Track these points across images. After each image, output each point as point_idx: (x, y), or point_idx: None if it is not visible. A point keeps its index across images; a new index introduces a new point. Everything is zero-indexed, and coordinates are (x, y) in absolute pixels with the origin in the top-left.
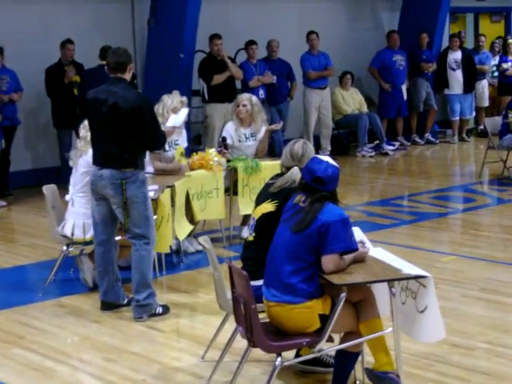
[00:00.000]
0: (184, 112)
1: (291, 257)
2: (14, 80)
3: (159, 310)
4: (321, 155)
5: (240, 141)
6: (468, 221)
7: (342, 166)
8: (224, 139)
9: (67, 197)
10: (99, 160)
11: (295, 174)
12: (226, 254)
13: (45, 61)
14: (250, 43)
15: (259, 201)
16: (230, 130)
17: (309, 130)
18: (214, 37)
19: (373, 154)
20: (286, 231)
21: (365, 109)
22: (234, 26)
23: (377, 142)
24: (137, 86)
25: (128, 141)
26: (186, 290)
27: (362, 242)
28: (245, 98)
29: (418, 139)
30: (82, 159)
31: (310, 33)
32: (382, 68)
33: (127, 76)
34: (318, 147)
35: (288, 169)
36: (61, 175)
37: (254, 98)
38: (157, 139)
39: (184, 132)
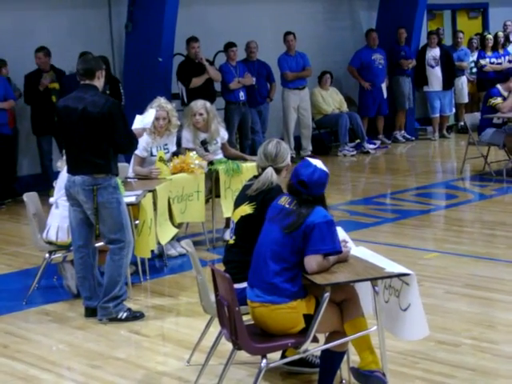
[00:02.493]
0: (152, 113)
1: (275, 257)
2: (5, 87)
3: (122, 315)
4: (311, 158)
5: (199, 145)
6: (450, 217)
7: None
8: (204, 142)
9: (51, 200)
10: (72, 166)
11: (269, 174)
12: (210, 257)
13: (25, 67)
14: (230, 45)
15: (238, 203)
16: (187, 136)
17: (288, 130)
18: (192, 40)
19: (354, 153)
20: (274, 231)
21: (345, 108)
22: (212, 29)
23: (358, 141)
24: (120, 93)
25: (100, 146)
26: (169, 293)
27: (345, 241)
28: (200, 106)
29: (399, 137)
30: (64, 165)
31: (287, 34)
32: (361, 67)
33: (97, 82)
34: (298, 148)
35: (263, 169)
36: (41, 182)
37: (209, 105)
38: (129, 142)
39: (174, 135)
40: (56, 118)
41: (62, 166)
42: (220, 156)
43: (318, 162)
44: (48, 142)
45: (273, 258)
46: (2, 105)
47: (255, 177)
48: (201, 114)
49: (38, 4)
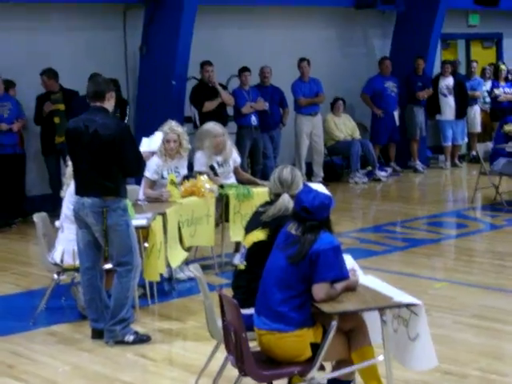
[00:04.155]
0: (159, 136)
1: (282, 285)
2: (15, 108)
3: (129, 338)
4: (312, 183)
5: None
6: (461, 247)
7: (334, 192)
8: (212, 167)
9: (57, 223)
10: (81, 188)
11: (287, 201)
12: (218, 282)
13: (39, 88)
14: (243, 70)
15: (250, 229)
16: (201, 160)
17: (300, 156)
18: (206, 63)
19: (365, 180)
20: (280, 259)
21: (357, 135)
22: (226, 53)
23: (369, 168)
24: (125, 113)
25: (109, 169)
26: (177, 317)
27: (353, 270)
28: (221, 128)
29: (415, 165)
30: (70, 188)
31: (301, 60)
32: (373, 94)
33: (107, 104)
34: (310, 174)
35: (276, 196)
36: (51, 202)
37: (224, 129)
38: (137, 165)
39: (185, 159)
40: (66, 140)
41: (64, 189)
42: (232, 179)
43: (318, 187)
44: (53, 162)
45: (279, 285)
46: (14, 127)
47: (268, 203)
48: (223, 135)
49: (52, 25)
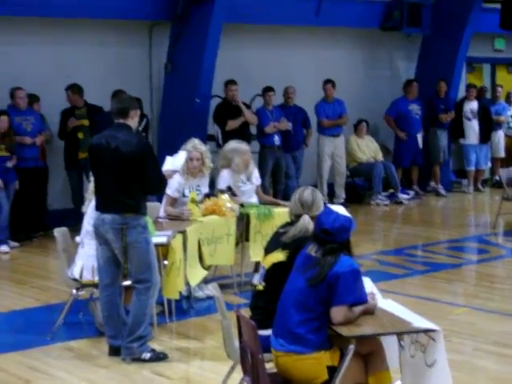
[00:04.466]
0: (182, 155)
1: (300, 307)
2: (38, 122)
3: (146, 355)
4: (333, 205)
5: (238, 187)
6: (482, 272)
7: (356, 214)
8: (229, 188)
9: (77, 238)
10: (102, 205)
11: (307, 222)
12: (237, 301)
13: (63, 103)
14: (267, 89)
15: (269, 249)
16: (227, 178)
17: (322, 177)
18: (230, 82)
19: (387, 202)
20: (299, 281)
21: (380, 157)
22: (251, 72)
23: (391, 190)
24: (148, 126)
25: (130, 186)
26: (195, 336)
27: (372, 294)
28: (247, 148)
29: (437, 189)
30: (92, 203)
31: (326, 82)
32: (397, 116)
33: (131, 122)
34: (332, 195)
35: (297, 217)
36: (73, 217)
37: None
38: (158, 184)
39: (207, 177)
40: (89, 156)
41: (85, 205)
42: (254, 199)
43: (339, 209)
44: (76, 177)
45: (297, 307)
46: (37, 140)
47: (288, 223)
48: (249, 152)
49: (78, 40)
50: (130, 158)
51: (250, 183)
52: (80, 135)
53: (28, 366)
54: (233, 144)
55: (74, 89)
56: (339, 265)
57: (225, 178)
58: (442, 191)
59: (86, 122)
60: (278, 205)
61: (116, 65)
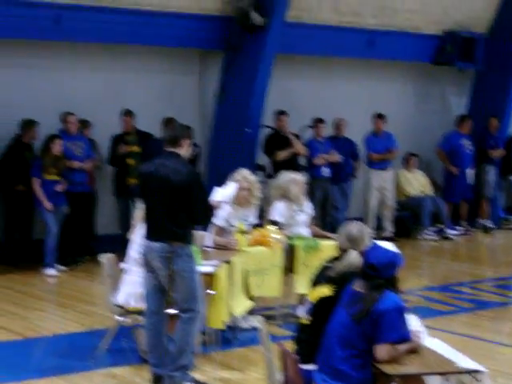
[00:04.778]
0: (231, 186)
1: (344, 343)
2: (88, 147)
3: None
4: (381, 241)
5: (292, 217)
6: None
7: (403, 248)
8: (274, 223)
9: (123, 265)
10: (150, 232)
11: (354, 258)
12: (281, 333)
13: (112, 129)
14: (318, 121)
15: (316, 283)
16: (281, 209)
17: (369, 210)
18: (280, 113)
19: (435, 237)
20: (343, 317)
21: (429, 191)
22: (301, 103)
23: (440, 225)
24: (199, 155)
25: (178, 215)
26: (238, 367)
27: (418, 332)
28: (302, 178)
29: (485, 225)
30: (138, 230)
31: (376, 116)
32: (450, 151)
33: (181, 151)
34: (379, 228)
35: (344, 251)
36: (120, 243)
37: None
38: (205, 214)
39: (254, 207)
40: (139, 183)
41: (131, 231)
42: (305, 229)
43: (387, 244)
44: (124, 204)
45: (341, 343)
46: (86, 166)
47: (335, 258)
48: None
49: (130, 67)
50: (178, 186)
51: (304, 214)
52: (130, 161)
53: None
54: (288, 174)
55: (131, 114)
56: (384, 301)
57: (279, 209)
58: (489, 227)
59: (136, 149)
60: (327, 238)
61: (167, 92)
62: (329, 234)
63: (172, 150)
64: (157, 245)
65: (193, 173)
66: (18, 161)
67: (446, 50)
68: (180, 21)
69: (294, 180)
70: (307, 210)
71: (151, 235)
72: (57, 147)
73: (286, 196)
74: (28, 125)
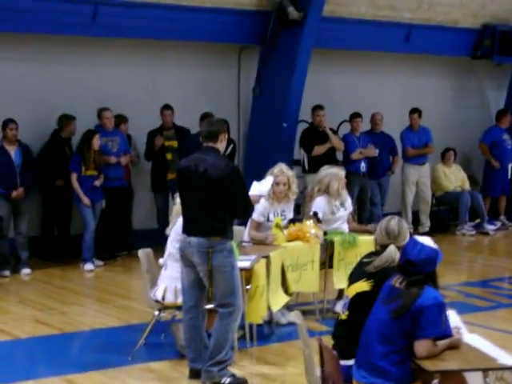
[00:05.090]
0: (269, 180)
1: (383, 339)
2: (124, 142)
3: (226, 380)
4: (420, 236)
5: (333, 213)
6: None
7: (440, 243)
8: (315, 214)
9: (161, 260)
10: (188, 227)
11: (393, 253)
12: (318, 328)
13: (149, 124)
14: (355, 116)
15: (354, 279)
16: (321, 204)
17: (407, 205)
18: (317, 108)
19: (473, 232)
20: (382, 313)
21: (467, 186)
22: (338, 98)
23: (478, 220)
24: (234, 151)
25: (217, 209)
26: (275, 362)
27: (457, 328)
28: (343, 172)
29: None
30: (176, 226)
31: (413, 111)
32: (491, 145)
33: (219, 145)
34: (417, 223)
35: (382, 246)
36: (157, 238)
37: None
38: (245, 208)
39: (292, 202)
40: (177, 178)
41: (169, 227)
42: (344, 224)
43: (425, 240)
44: (162, 199)
45: (380, 340)
46: (122, 160)
47: (373, 253)
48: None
49: (167, 62)
50: (218, 181)
51: (344, 209)
52: (168, 156)
53: None
54: (329, 169)
55: (172, 109)
56: (423, 297)
57: (319, 204)
58: None
59: (174, 144)
60: (367, 231)
61: (204, 87)
62: (367, 227)
63: (210, 144)
64: (195, 240)
65: (232, 167)
66: (56, 156)
67: (484, 43)
68: (217, 16)
69: (333, 174)
70: (347, 205)
71: (190, 230)
72: (96, 142)
73: (326, 191)
74: (66, 120)
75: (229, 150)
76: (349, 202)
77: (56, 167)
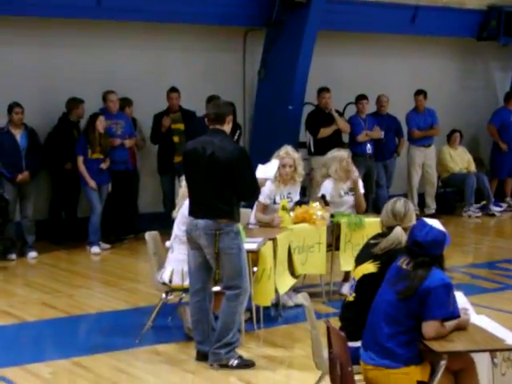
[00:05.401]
0: (275, 163)
1: (391, 320)
2: (129, 125)
3: (233, 362)
4: (427, 218)
5: (340, 196)
6: None
7: (447, 225)
8: (323, 196)
9: (167, 243)
10: (195, 210)
11: (400, 234)
12: (325, 310)
13: (155, 107)
14: (360, 97)
15: (360, 260)
16: (328, 187)
17: (413, 187)
18: (323, 90)
19: (479, 214)
20: (389, 294)
21: (473, 168)
22: (344, 80)
23: (484, 202)
24: (240, 136)
25: (224, 191)
26: (282, 344)
27: (465, 309)
28: (344, 154)
29: None
30: (182, 209)
31: (418, 92)
32: (500, 127)
33: (226, 127)
34: (422, 205)
35: (388, 228)
36: (163, 221)
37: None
38: (252, 191)
39: (298, 185)
40: (183, 160)
41: (177, 212)
42: (351, 208)
43: (434, 222)
44: (169, 182)
45: (388, 321)
46: (127, 143)
47: (379, 235)
48: (349, 157)
49: (172, 45)
50: (225, 163)
51: (352, 194)
52: (176, 139)
53: (116, 368)
54: (333, 152)
55: (178, 91)
56: (430, 279)
57: (326, 188)
58: None
59: (181, 126)
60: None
61: (209, 70)
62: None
63: (217, 127)
64: (202, 222)
65: (240, 149)
66: (65, 139)
67: (490, 24)
68: None
69: (334, 157)
70: (359, 187)
71: (196, 212)
72: (100, 125)
73: (330, 174)
74: (74, 103)
75: (236, 135)
76: (360, 184)
77: (65, 150)
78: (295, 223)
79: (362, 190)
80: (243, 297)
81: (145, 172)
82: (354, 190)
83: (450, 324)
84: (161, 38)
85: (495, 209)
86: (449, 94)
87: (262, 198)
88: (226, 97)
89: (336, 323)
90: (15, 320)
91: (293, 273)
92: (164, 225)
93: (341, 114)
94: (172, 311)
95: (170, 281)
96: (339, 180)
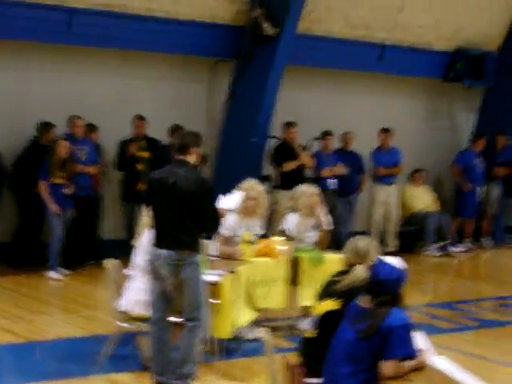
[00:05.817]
0: (237, 195)
1: (350, 358)
2: (93, 152)
3: None
4: (388, 257)
5: (304, 231)
6: None
7: (407, 263)
8: (284, 231)
9: (127, 271)
10: (158, 240)
11: (362, 272)
12: (285, 345)
13: (120, 134)
14: (326, 134)
15: (323, 297)
16: (292, 222)
17: (374, 224)
18: (290, 124)
19: (439, 254)
20: (349, 332)
21: (435, 207)
22: (310, 115)
23: (444, 242)
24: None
25: (187, 222)
26: (241, 378)
27: (422, 350)
28: (313, 190)
29: (485, 242)
30: (143, 238)
31: (383, 130)
32: (464, 168)
33: (190, 158)
34: (383, 243)
35: (351, 265)
36: (125, 248)
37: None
38: (213, 222)
39: (260, 218)
40: (147, 189)
41: (136, 238)
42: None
43: (394, 260)
44: (131, 209)
45: (347, 359)
46: (90, 170)
47: (341, 272)
48: (317, 195)
49: (139, 73)
50: (188, 194)
51: (316, 231)
52: (140, 166)
53: None
54: (302, 186)
55: (144, 119)
56: (392, 318)
57: (289, 222)
58: (488, 245)
59: (146, 154)
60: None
61: (176, 99)
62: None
63: (181, 157)
64: (165, 252)
65: (202, 181)
66: (35, 163)
67: (456, 66)
68: (192, 29)
69: (302, 192)
70: (324, 224)
71: (159, 242)
72: (63, 150)
73: (297, 208)
74: (45, 127)
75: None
76: (328, 220)
77: (33, 174)
78: (257, 256)
79: (329, 227)
80: (201, 328)
81: (108, 198)
82: (318, 226)
83: (408, 364)
84: (129, 65)
85: (454, 249)
86: (414, 133)
87: (225, 230)
88: (191, 126)
89: (295, 358)
90: None
91: (254, 306)
92: (127, 251)
93: (305, 149)
94: (130, 340)
95: (130, 309)
96: (305, 215)
